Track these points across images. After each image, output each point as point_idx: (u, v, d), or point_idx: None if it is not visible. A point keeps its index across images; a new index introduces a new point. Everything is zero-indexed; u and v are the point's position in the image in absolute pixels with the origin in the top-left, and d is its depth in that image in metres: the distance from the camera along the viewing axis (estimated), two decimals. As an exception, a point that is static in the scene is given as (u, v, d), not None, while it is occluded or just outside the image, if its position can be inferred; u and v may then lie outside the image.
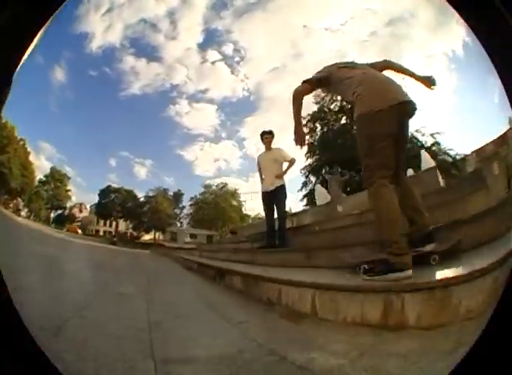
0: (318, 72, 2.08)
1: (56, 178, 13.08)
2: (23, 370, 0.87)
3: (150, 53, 10.65)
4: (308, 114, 11.17)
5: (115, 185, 13.38)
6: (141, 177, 12.60)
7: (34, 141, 12.84)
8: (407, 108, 1.74)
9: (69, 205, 13.51)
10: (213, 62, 11.51)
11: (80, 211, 13.95)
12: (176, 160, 12.46)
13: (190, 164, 12.87)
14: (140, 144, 10.76)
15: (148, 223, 13.38)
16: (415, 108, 1.78)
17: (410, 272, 1.40)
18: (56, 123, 11.16)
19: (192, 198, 14.24)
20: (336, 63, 2.09)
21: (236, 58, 12.01)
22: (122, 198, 13.34)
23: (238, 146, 12.85)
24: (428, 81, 1.98)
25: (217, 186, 14.10)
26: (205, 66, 11.53)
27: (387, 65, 2.13)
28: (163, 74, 10.71)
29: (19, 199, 12.56)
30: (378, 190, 1.58)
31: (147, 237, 13.64)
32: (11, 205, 12.30)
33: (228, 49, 11.65)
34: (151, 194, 13.76)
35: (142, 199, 13.44)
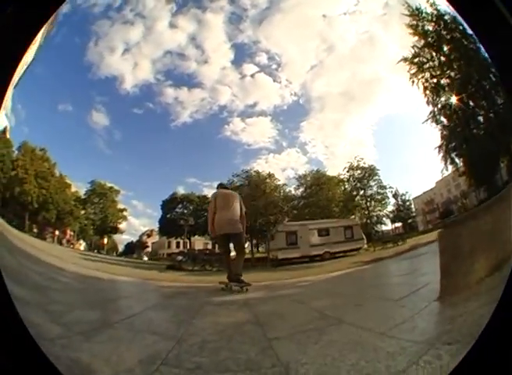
0: None
1: (98, 192, 10.26)
2: (23, 370, 0.97)
3: (188, 81, 10.11)
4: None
5: (181, 192, 10.20)
6: (209, 199, 10.27)
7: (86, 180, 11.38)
8: (229, 235, 4.61)
9: (123, 226, 10.56)
10: (252, 75, 10.27)
11: (149, 236, 10.83)
12: (244, 177, 10.87)
13: (259, 179, 10.88)
14: (204, 169, 9.59)
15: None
16: (236, 234, 4.59)
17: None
18: (111, 162, 10.18)
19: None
20: None
21: (273, 66, 10.32)
22: (194, 206, 9.91)
23: (301, 152, 10.73)
24: None
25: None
26: (246, 80, 10.21)
27: None
28: (208, 98, 10.01)
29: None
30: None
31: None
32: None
33: (262, 59, 10.07)
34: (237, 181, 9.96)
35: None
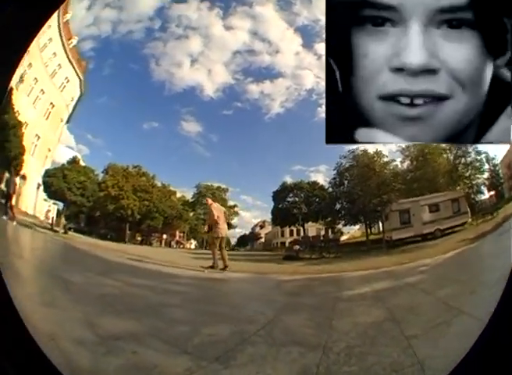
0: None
1: (203, 194, 10.90)
2: (22, 369, 1.03)
3: (267, 74, 10.45)
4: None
5: (290, 181, 10.54)
6: (319, 184, 10.78)
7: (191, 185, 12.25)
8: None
9: (234, 221, 11.07)
10: (328, 53, 9.68)
11: (262, 227, 11.31)
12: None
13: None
14: (307, 155, 9.99)
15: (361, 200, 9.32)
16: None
17: None
18: (213, 164, 10.87)
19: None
20: None
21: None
22: (305, 193, 10.31)
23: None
24: None
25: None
26: (323, 59, 9.87)
27: None
28: (292, 85, 10.32)
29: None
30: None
31: (343, 237, 10.07)
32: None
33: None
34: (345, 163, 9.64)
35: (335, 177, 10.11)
